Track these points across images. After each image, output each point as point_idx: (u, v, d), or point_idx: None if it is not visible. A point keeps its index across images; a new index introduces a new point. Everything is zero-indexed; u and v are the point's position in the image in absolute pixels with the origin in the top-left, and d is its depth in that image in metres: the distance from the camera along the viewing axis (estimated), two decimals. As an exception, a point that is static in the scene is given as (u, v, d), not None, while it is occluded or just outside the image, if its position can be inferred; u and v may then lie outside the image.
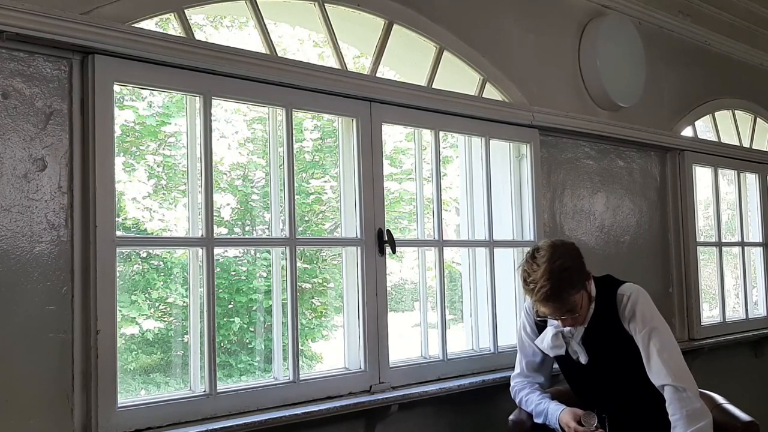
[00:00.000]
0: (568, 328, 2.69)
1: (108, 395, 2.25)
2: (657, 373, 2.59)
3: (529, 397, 2.84)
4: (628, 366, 2.68)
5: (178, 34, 2.55)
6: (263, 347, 7.92)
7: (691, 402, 2.53)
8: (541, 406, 2.78)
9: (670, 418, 2.54)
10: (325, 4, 2.93)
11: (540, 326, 2.82)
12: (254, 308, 8.05)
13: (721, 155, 4.84)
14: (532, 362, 2.91)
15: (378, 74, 3.10)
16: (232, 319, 7.87)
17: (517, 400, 2.91)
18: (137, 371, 7.55)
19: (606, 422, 2.69)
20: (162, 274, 7.70)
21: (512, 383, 2.96)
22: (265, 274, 7.97)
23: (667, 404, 2.56)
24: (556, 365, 2.93)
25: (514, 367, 2.99)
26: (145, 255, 7.55)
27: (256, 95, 2.69)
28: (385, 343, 2.97)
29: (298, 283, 2.78)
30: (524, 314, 2.92)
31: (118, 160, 7.17)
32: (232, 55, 2.56)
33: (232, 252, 8.01)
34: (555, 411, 2.72)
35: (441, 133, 3.27)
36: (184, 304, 7.30)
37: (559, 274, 2.53)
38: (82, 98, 2.28)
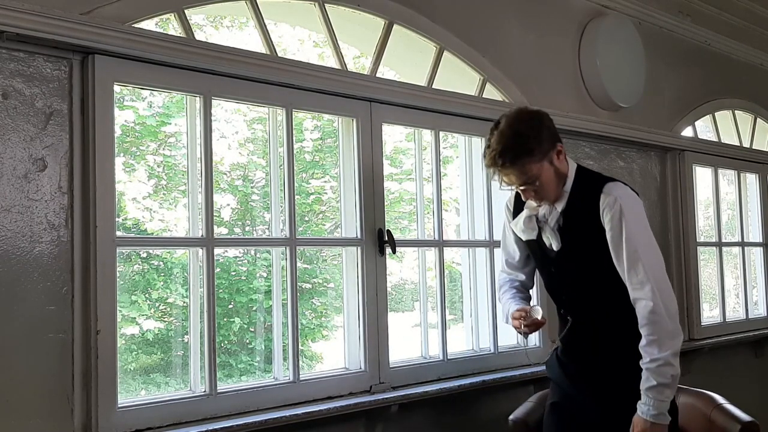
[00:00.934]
0: (542, 212, 2.52)
1: (108, 395, 2.25)
2: (635, 286, 2.39)
3: (503, 296, 2.76)
4: (600, 269, 2.48)
5: (178, 35, 2.55)
6: (263, 347, 7.92)
7: (665, 322, 2.34)
8: (506, 306, 2.70)
9: (642, 335, 2.38)
10: (325, 4, 2.93)
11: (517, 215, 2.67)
12: (254, 308, 8.05)
13: (721, 155, 4.84)
14: (510, 262, 2.78)
15: (378, 74, 3.10)
16: (232, 320, 7.88)
17: (497, 297, 2.86)
18: (137, 371, 7.55)
19: (568, 326, 2.59)
20: (162, 274, 7.71)
21: (497, 278, 2.90)
22: (265, 275, 7.97)
23: (639, 320, 2.38)
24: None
25: (514, 368, 3.00)
26: (145, 255, 7.55)
27: (256, 95, 2.69)
28: (385, 343, 2.97)
29: (298, 283, 2.78)
30: (505, 207, 2.76)
31: (119, 161, 7.17)
32: (232, 55, 2.56)
33: (232, 252, 8.01)
34: (512, 310, 2.64)
35: (441, 133, 3.27)
36: (185, 305, 7.31)
37: (513, 139, 2.37)
38: (83, 98, 2.28)
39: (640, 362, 2.36)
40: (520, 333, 2.61)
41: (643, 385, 2.36)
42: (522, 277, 2.78)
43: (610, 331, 2.51)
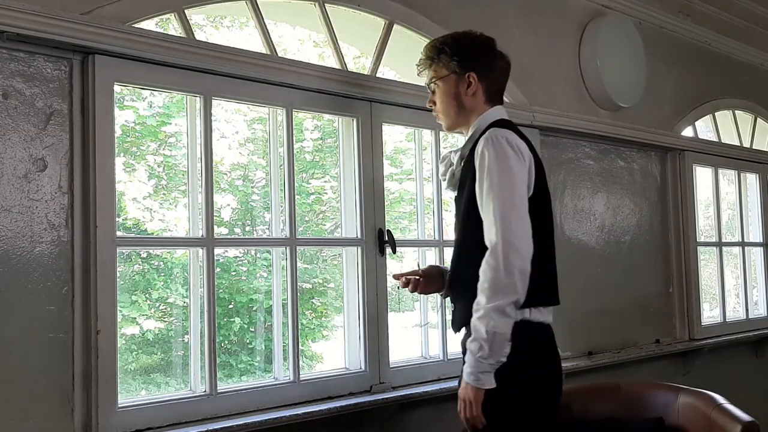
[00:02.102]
0: (454, 156, 2.37)
1: (108, 395, 2.25)
2: (486, 231, 2.15)
3: None
4: (467, 223, 2.28)
5: (179, 35, 2.55)
6: (264, 347, 7.92)
7: (499, 273, 2.07)
8: None
9: None
10: (326, 4, 2.93)
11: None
12: (255, 308, 8.05)
13: (721, 155, 4.84)
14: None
15: (378, 74, 3.10)
16: (232, 320, 7.87)
17: None
18: (137, 371, 7.55)
19: (446, 281, 2.43)
20: (162, 274, 7.70)
21: None
22: (265, 275, 7.96)
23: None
24: None
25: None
26: (145, 255, 7.55)
27: (257, 95, 2.69)
28: (386, 343, 2.97)
29: (298, 283, 2.79)
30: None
31: (119, 161, 7.16)
32: (232, 55, 2.57)
33: (232, 252, 8.00)
34: None
35: (441, 133, 3.27)
36: (185, 305, 7.30)
37: (442, 39, 2.41)
38: (83, 98, 2.28)
39: None
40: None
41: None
42: None
43: (466, 290, 2.21)
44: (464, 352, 2.27)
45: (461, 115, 2.38)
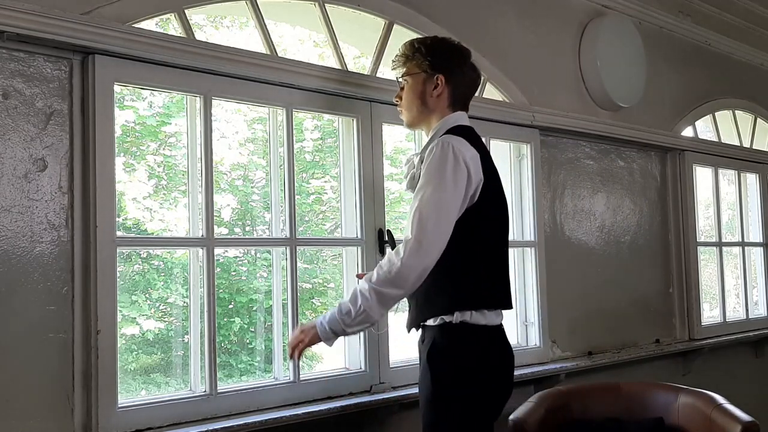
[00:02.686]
0: (416, 158, 2.43)
1: (108, 395, 2.25)
2: (406, 224, 2.24)
3: None
4: None
5: (179, 35, 2.55)
6: (264, 347, 7.91)
7: (396, 263, 2.15)
8: None
9: None
10: (326, 4, 2.93)
11: None
12: (255, 308, 8.04)
13: (721, 155, 4.84)
14: None
15: (378, 74, 3.10)
16: (232, 320, 7.87)
17: None
18: (137, 371, 7.55)
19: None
20: (162, 274, 7.70)
21: None
22: (265, 275, 7.96)
23: None
24: None
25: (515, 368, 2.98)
26: (145, 255, 7.54)
27: (257, 95, 2.69)
28: (386, 343, 2.97)
29: (298, 283, 2.79)
30: None
31: (119, 161, 7.15)
32: (232, 55, 2.57)
33: (232, 252, 8.00)
34: None
35: (441, 133, 3.27)
36: (185, 305, 7.30)
37: (420, 40, 2.48)
38: (83, 98, 2.28)
39: None
40: None
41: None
42: None
43: (419, 290, 2.25)
44: (420, 354, 2.35)
45: (422, 114, 2.44)
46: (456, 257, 2.24)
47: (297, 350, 2.31)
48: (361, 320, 2.20)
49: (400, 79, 2.46)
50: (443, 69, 2.40)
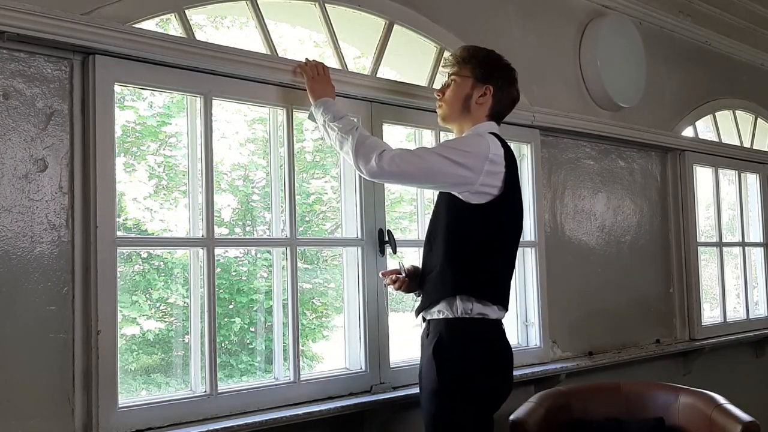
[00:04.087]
0: None
1: (109, 395, 2.25)
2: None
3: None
4: (437, 211, 2.52)
5: (179, 35, 2.55)
6: (264, 347, 7.91)
7: (373, 159, 2.40)
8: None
9: None
10: (326, 4, 2.93)
11: None
12: (255, 309, 8.04)
13: (721, 155, 4.84)
14: None
15: (378, 74, 3.10)
16: (232, 320, 7.86)
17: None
18: (138, 371, 7.55)
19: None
20: (163, 274, 7.70)
21: None
22: (265, 275, 7.96)
23: None
24: None
25: (515, 368, 2.98)
26: (145, 255, 7.54)
27: (257, 95, 2.69)
28: (386, 344, 2.97)
29: (298, 284, 2.79)
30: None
31: (119, 161, 7.14)
32: (232, 55, 2.57)
33: (232, 252, 7.99)
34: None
35: (442, 133, 3.27)
36: (185, 305, 7.29)
37: (475, 48, 2.62)
38: (83, 98, 2.28)
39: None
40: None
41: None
42: None
43: (432, 278, 2.47)
44: (425, 348, 2.45)
45: (461, 115, 2.57)
46: (473, 245, 2.39)
47: (300, 67, 2.63)
48: (335, 131, 2.48)
49: (450, 77, 2.58)
50: (494, 81, 2.54)
